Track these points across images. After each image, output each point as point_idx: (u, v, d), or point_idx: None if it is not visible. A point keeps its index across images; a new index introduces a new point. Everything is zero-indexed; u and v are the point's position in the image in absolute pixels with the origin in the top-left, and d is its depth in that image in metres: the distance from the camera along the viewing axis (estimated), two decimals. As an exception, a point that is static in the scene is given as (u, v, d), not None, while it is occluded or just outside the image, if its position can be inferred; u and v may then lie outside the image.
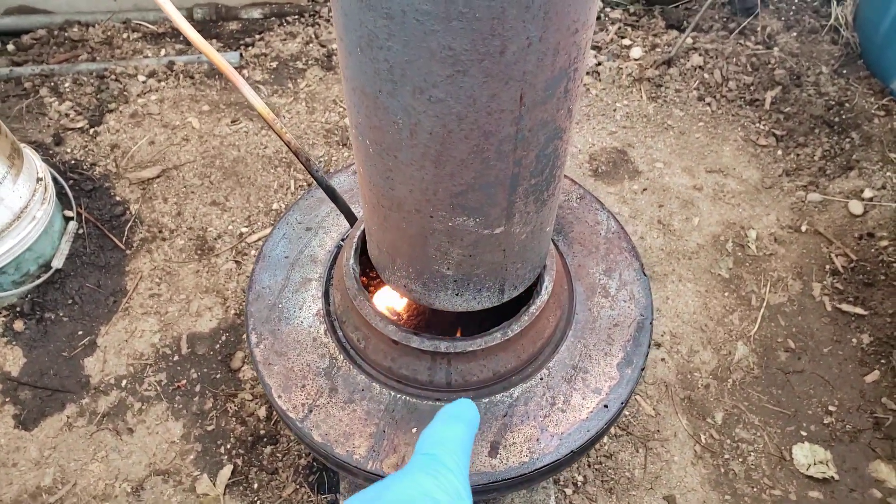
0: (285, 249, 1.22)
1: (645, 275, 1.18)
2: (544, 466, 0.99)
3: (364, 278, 1.13)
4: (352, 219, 1.16)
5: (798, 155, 2.22)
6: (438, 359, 1.03)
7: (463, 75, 0.69)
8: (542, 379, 1.07)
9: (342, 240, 1.23)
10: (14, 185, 1.81)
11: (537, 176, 0.84)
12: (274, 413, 1.71)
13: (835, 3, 2.56)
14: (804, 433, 1.70)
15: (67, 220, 2.04)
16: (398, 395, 1.05)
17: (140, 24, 2.56)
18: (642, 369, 1.10)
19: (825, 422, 1.72)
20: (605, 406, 1.05)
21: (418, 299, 1.00)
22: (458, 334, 1.21)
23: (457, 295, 0.98)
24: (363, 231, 1.10)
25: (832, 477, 1.63)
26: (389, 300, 1.23)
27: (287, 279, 1.18)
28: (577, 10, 0.68)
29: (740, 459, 1.66)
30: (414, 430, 1.02)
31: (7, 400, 1.78)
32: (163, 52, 2.49)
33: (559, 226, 1.25)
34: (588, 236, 1.23)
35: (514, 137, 0.77)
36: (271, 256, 1.21)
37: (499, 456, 1.00)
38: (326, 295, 1.16)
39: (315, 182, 1.08)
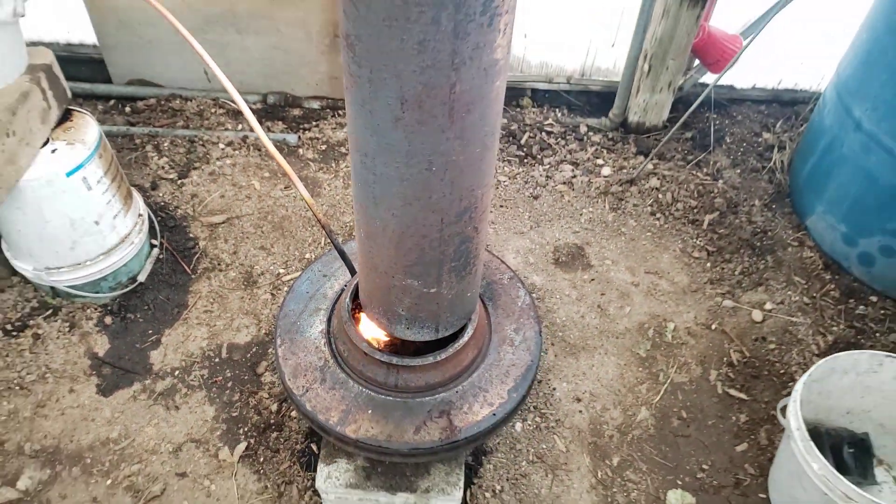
0: (307, 288, 1.84)
1: (540, 335, 1.77)
2: (448, 444, 1.57)
3: (358, 313, 1.73)
4: (353, 272, 1.77)
5: (722, 268, 2.79)
6: (391, 368, 1.62)
7: (410, 206, 1.30)
8: (456, 392, 1.65)
9: (345, 285, 1.84)
10: (124, 218, 2.49)
11: (456, 261, 1.45)
12: (282, 406, 2.30)
13: (776, 150, 3.17)
14: (679, 482, 2.22)
15: (152, 246, 2.69)
16: (363, 389, 1.64)
17: (225, 103, 3.28)
18: (525, 396, 1.67)
19: (697, 476, 2.24)
20: (494, 414, 1.62)
21: (384, 328, 1.60)
22: (414, 359, 1.80)
23: (408, 329, 1.58)
24: (357, 282, 1.71)
25: (693, 516, 2.15)
26: (373, 330, 1.82)
27: (305, 307, 1.79)
28: (473, 179, 1.30)
29: (625, 494, 2.18)
30: (369, 412, 1.61)
31: (93, 373, 2.40)
32: (239, 126, 3.20)
33: (492, 294, 1.85)
34: (509, 305, 1.83)
35: (440, 239, 1.38)
36: (297, 291, 1.83)
37: (420, 434, 1.58)
38: (329, 320, 1.77)
39: (333, 245, 1.71)
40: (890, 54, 2.37)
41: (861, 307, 2.63)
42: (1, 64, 2.17)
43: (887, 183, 2.44)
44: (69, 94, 2.45)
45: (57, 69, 2.37)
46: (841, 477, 1.70)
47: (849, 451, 2.10)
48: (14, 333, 2.45)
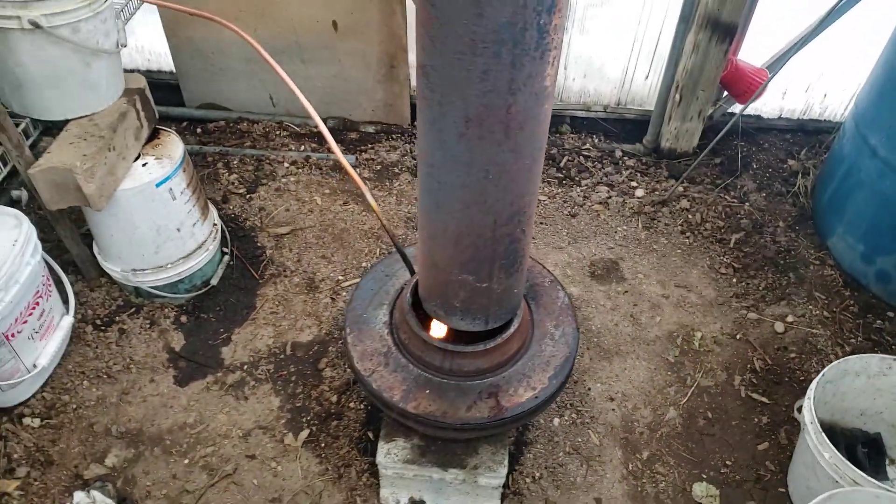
0: (372, 285, 2.09)
1: (577, 331, 1.99)
2: (496, 421, 1.79)
3: (417, 308, 1.97)
4: (412, 272, 2.02)
5: (748, 283, 2.98)
6: (447, 354, 1.85)
7: (468, 209, 1.55)
8: (503, 377, 1.88)
9: (405, 284, 2.09)
10: (202, 226, 2.78)
11: (505, 259, 1.68)
12: (342, 398, 2.55)
13: (800, 175, 3.37)
14: (704, 476, 2.41)
15: (224, 254, 2.99)
16: (421, 372, 1.87)
17: (289, 126, 3.59)
18: (563, 383, 1.89)
19: (721, 471, 2.42)
20: (536, 397, 1.84)
21: (441, 319, 1.84)
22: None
23: (462, 320, 1.81)
24: (416, 281, 1.96)
25: (716, 506, 2.33)
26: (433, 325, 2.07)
27: (371, 301, 2.04)
28: (523, 186, 1.54)
29: (654, 484, 2.38)
30: (427, 391, 1.84)
31: (171, 366, 2.68)
32: (302, 147, 3.50)
33: (534, 295, 2.08)
34: (549, 304, 2.06)
35: (492, 239, 1.62)
36: (364, 287, 2.09)
37: (471, 411, 1.81)
38: (391, 313, 2.02)
39: (396, 248, 1.96)
40: (903, 86, 2.58)
41: (878, 321, 2.80)
42: (105, 87, 2.50)
43: (902, 205, 2.63)
44: (157, 115, 2.77)
45: (148, 93, 2.70)
46: (849, 464, 1.88)
47: (862, 451, 2.27)
48: (102, 328, 2.74)
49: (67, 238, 2.69)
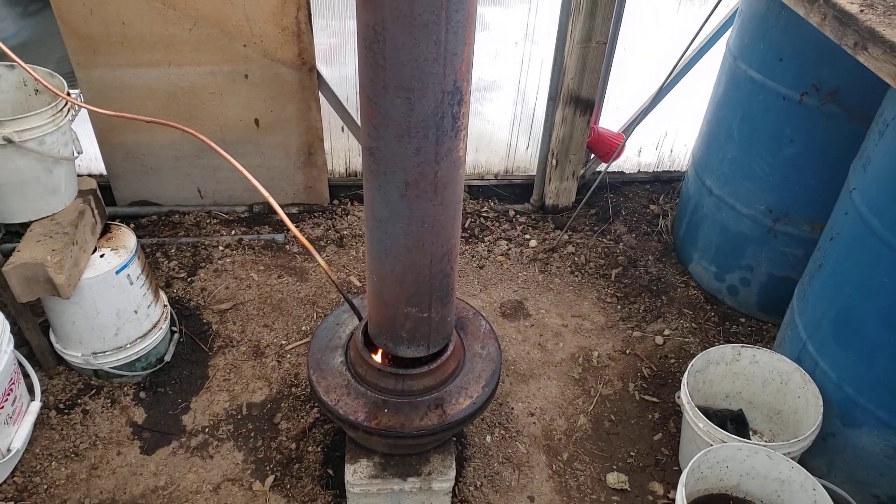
0: (327, 334, 2.49)
1: (500, 350, 2.46)
2: (441, 427, 2.21)
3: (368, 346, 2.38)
4: (360, 318, 2.44)
5: (630, 308, 3.57)
6: (398, 378, 2.27)
7: (410, 252, 2.00)
8: (446, 391, 2.31)
9: (354, 329, 2.50)
10: (155, 308, 3.08)
11: (440, 291, 2.14)
12: (300, 444, 2.87)
13: (661, 217, 4.07)
14: (615, 467, 2.89)
15: (173, 332, 3.28)
16: (379, 396, 2.27)
17: (217, 214, 3.96)
18: (493, 391, 2.34)
19: (627, 461, 2.91)
20: (474, 403, 2.28)
21: (390, 350, 2.27)
22: (409, 378, 2.45)
23: (408, 347, 2.24)
24: (365, 324, 2.38)
25: (627, 489, 2.80)
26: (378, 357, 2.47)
27: (327, 346, 2.44)
28: (449, 231, 2.02)
29: (574, 479, 2.83)
30: (386, 410, 2.24)
31: (135, 438, 2.91)
32: (233, 231, 3.87)
33: (462, 325, 2.54)
34: (475, 331, 2.53)
35: (429, 276, 2.07)
36: (319, 336, 2.48)
37: (423, 421, 2.22)
38: (346, 353, 2.42)
39: (344, 298, 2.38)
40: (721, 140, 3.30)
41: (734, 326, 3.45)
42: (64, 190, 2.83)
43: (735, 231, 3.33)
44: (107, 212, 3.10)
45: (98, 193, 3.03)
46: (718, 428, 2.42)
47: (731, 426, 2.83)
48: (66, 411, 2.96)
49: (29, 329, 2.93)
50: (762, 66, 2.96)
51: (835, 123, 2.79)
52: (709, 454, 2.35)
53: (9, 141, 2.50)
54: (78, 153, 2.86)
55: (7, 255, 2.66)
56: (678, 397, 2.71)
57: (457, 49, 1.62)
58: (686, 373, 2.65)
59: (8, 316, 2.71)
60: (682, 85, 4.00)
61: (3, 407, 2.60)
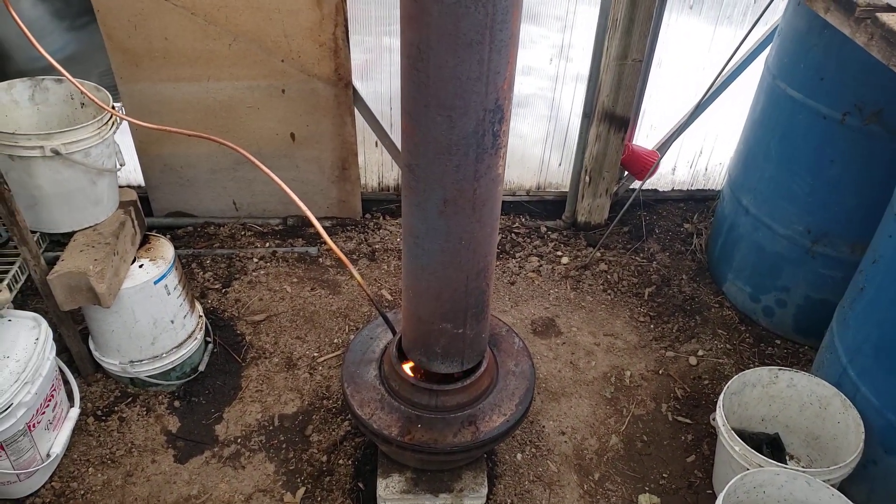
0: (361, 347, 2.50)
1: (533, 367, 2.45)
2: (475, 444, 2.20)
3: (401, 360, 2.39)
4: (394, 332, 2.45)
5: (663, 328, 3.54)
6: (432, 393, 2.27)
7: (447, 269, 2.01)
8: (479, 408, 2.30)
9: (388, 343, 2.51)
10: (191, 318, 3.13)
11: (475, 308, 2.14)
12: (331, 457, 2.88)
13: (695, 236, 4.04)
14: (647, 488, 2.85)
15: (207, 343, 3.32)
16: (412, 411, 2.28)
17: (252, 226, 4.01)
18: (527, 409, 2.33)
19: (660, 482, 2.87)
20: (507, 421, 2.27)
21: (424, 365, 2.27)
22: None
23: (442, 363, 2.25)
24: (399, 337, 2.39)
25: (660, 512, 2.77)
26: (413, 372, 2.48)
27: (361, 360, 2.45)
28: (486, 248, 2.03)
29: (606, 500, 2.80)
30: (419, 426, 2.24)
31: (170, 446, 2.94)
32: (267, 244, 3.91)
33: (495, 342, 2.54)
34: (508, 348, 2.52)
35: (465, 292, 2.08)
36: (353, 349, 2.49)
37: (456, 437, 2.21)
38: (380, 367, 2.42)
39: (378, 312, 2.39)
40: (759, 159, 3.27)
41: (769, 348, 3.40)
42: (107, 201, 2.89)
43: (772, 251, 3.28)
44: (146, 223, 3.16)
45: (138, 204, 3.09)
46: (754, 451, 2.38)
47: (766, 450, 2.78)
48: (103, 418, 3.00)
49: (70, 337, 2.98)
50: (802, 86, 2.93)
51: (878, 144, 2.75)
52: (745, 479, 2.31)
53: (56, 153, 2.56)
54: (121, 165, 2.93)
55: (51, 263, 2.72)
56: (713, 419, 2.67)
57: (500, 68, 1.63)
58: (722, 395, 2.62)
59: (50, 323, 2.77)
60: (718, 103, 3.97)
61: (44, 412, 2.64)
